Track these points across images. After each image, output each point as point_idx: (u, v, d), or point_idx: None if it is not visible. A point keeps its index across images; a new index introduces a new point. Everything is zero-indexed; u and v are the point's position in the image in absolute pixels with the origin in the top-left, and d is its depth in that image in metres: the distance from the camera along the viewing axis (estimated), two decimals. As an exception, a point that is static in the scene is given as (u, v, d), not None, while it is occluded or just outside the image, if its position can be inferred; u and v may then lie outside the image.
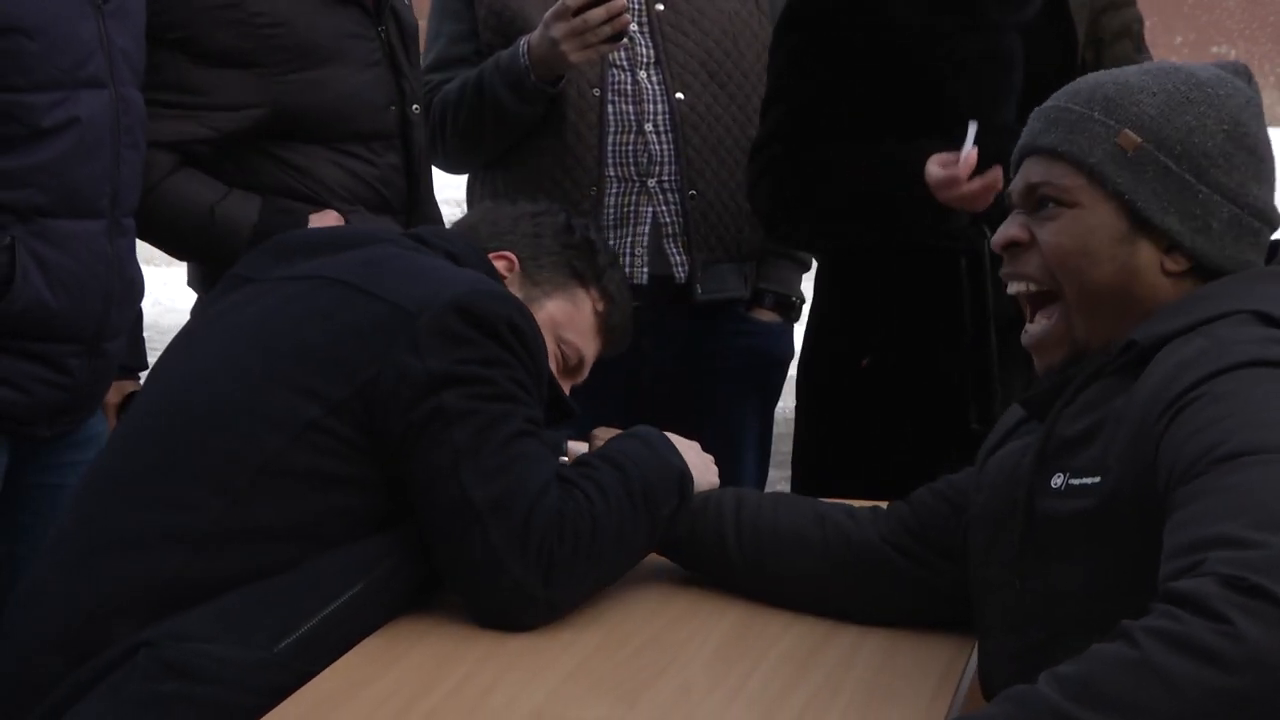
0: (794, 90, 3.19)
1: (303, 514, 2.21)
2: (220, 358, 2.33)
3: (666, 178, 3.40)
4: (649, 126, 3.38)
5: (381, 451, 2.24)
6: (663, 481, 2.35)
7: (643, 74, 3.39)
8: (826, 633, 2.29)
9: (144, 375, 3.12)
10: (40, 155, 2.65)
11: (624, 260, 3.36)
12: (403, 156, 3.19)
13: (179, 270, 3.51)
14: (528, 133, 3.38)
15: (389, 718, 1.99)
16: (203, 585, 2.17)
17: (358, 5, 3.14)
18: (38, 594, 2.28)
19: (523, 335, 2.29)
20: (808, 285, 3.52)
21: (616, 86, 3.39)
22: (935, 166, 2.97)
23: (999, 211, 2.46)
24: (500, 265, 2.52)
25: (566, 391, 2.53)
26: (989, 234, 2.97)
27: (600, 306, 2.60)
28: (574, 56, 3.21)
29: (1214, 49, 10.93)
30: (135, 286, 2.86)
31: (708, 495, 2.45)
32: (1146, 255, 2.01)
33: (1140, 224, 2.00)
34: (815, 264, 3.46)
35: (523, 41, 3.28)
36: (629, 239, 3.39)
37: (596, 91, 3.37)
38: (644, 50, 3.41)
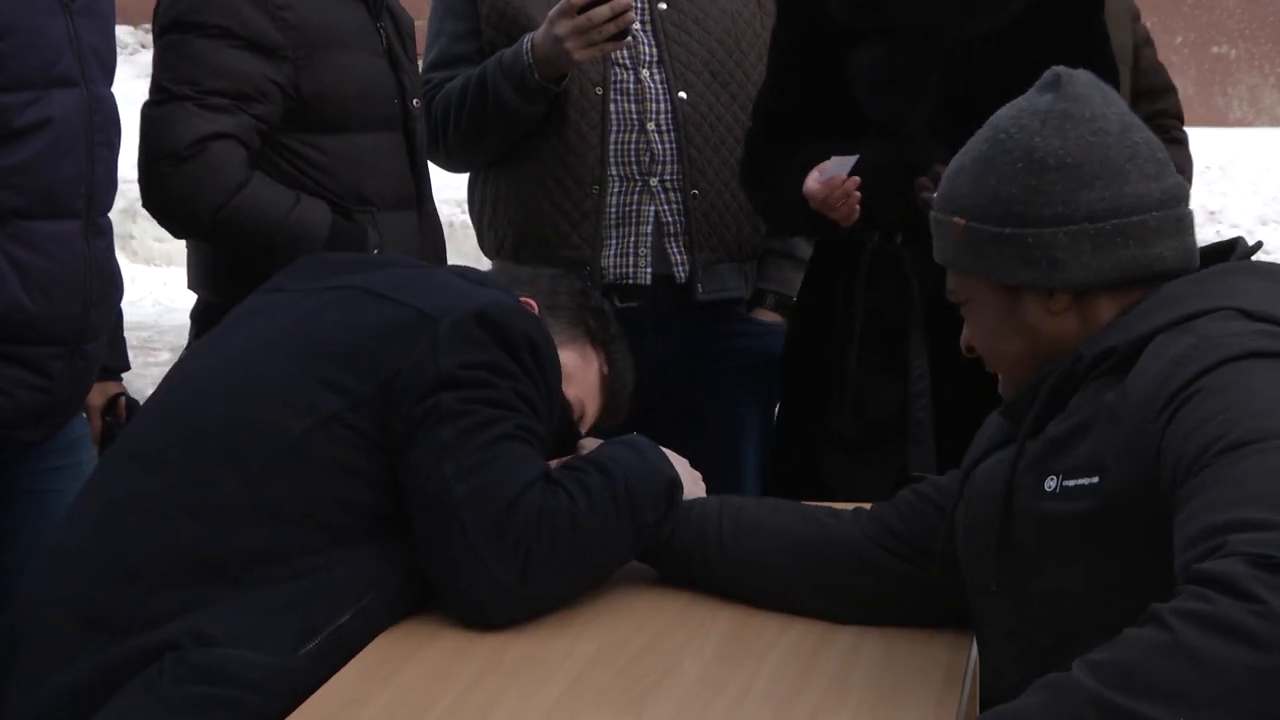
0: (765, 83, 3.28)
1: (317, 501, 2.24)
2: (253, 343, 2.39)
3: (668, 177, 3.39)
4: (651, 125, 3.38)
5: (390, 447, 2.26)
6: (649, 487, 2.36)
7: (645, 73, 3.39)
8: (824, 633, 2.29)
9: (125, 376, 3.12)
10: (14, 156, 2.61)
11: (627, 259, 3.37)
12: (407, 150, 3.18)
13: (179, 270, 3.51)
14: (530, 131, 3.37)
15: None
16: (216, 564, 2.19)
17: (362, 2, 3.14)
18: (57, 556, 2.31)
19: (539, 353, 2.33)
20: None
21: (619, 85, 3.38)
22: (811, 180, 3.03)
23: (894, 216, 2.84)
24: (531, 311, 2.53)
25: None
26: (875, 239, 3.10)
27: (606, 370, 2.64)
28: (578, 54, 3.21)
29: (1214, 49, 10.92)
30: (114, 287, 2.83)
31: (691, 503, 2.45)
32: (1033, 310, 2.08)
33: (1010, 289, 2.07)
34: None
35: (526, 39, 3.27)
36: (632, 238, 3.38)
37: (599, 90, 3.36)
38: (647, 49, 3.40)
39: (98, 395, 3.00)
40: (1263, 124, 10.87)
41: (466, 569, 2.22)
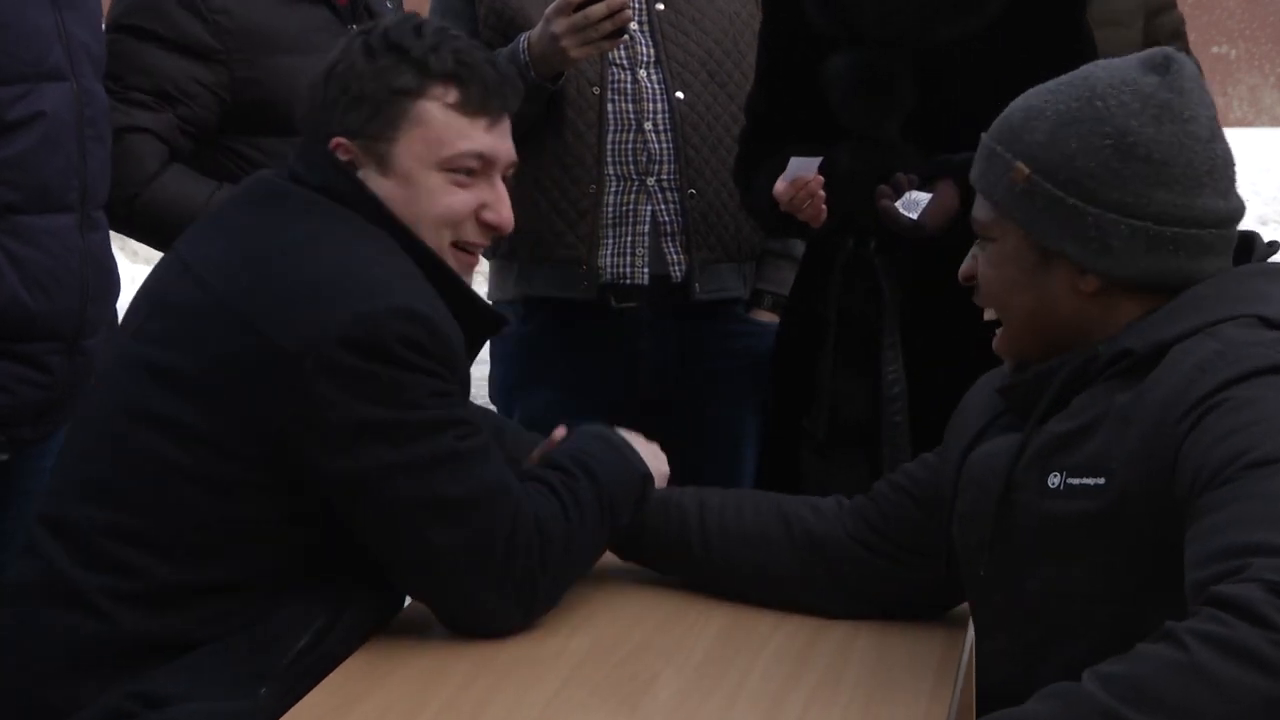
0: (753, 84, 3.30)
1: (261, 562, 2.16)
2: (104, 389, 2.28)
3: (665, 177, 3.39)
4: (648, 125, 3.38)
5: (313, 491, 2.16)
6: (628, 490, 2.37)
7: (642, 73, 3.39)
8: (816, 629, 2.29)
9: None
10: (5, 151, 2.63)
11: (624, 259, 3.37)
12: None
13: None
14: (527, 131, 3.37)
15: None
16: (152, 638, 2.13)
17: (325, 4, 3.18)
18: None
19: (416, 343, 2.14)
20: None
21: (616, 85, 3.38)
22: (778, 181, 3.03)
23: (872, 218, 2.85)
24: (345, 159, 2.29)
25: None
26: (850, 244, 3.10)
27: (451, 98, 2.28)
28: (574, 53, 3.20)
29: (1214, 49, 10.93)
30: (112, 282, 2.84)
31: (667, 497, 2.45)
32: (1061, 280, 2.05)
33: (1046, 252, 2.04)
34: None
35: (523, 38, 3.27)
36: (629, 238, 3.38)
37: (596, 90, 3.36)
38: (644, 49, 3.40)
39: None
40: (1263, 124, 10.88)
41: (468, 620, 2.21)
